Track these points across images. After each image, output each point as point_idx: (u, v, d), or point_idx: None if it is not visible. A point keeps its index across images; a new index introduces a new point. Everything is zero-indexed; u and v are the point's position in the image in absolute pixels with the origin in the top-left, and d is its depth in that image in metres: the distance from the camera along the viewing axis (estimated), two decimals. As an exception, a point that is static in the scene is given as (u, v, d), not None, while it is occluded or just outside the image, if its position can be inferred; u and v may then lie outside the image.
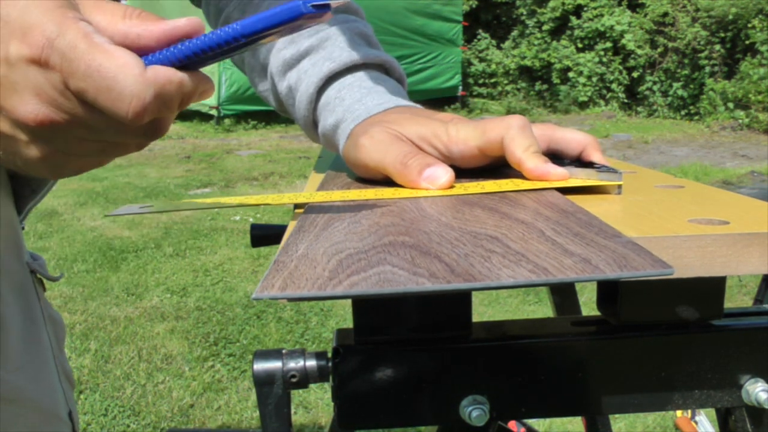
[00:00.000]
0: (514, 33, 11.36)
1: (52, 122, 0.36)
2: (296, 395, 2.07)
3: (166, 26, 0.38)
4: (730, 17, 8.88)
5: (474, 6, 11.25)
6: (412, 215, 0.41)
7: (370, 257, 0.32)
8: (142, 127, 0.38)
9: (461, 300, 0.41)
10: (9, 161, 0.39)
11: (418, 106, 0.60)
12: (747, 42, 8.79)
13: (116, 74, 0.35)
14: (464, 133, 0.51)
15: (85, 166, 0.41)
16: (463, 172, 0.54)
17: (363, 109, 0.58)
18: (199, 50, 0.38)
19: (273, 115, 7.95)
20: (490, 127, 0.50)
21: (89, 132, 0.38)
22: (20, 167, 0.39)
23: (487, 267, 0.30)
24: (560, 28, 10.55)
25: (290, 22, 0.37)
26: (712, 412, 1.70)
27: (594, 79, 10.05)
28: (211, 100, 7.98)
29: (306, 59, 0.62)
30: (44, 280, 0.68)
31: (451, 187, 0.49)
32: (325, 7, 0.37)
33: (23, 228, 0.66)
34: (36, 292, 0.65)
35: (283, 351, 0.41)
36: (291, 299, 0.28)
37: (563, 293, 0.94)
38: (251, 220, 4.03)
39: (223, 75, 7.52)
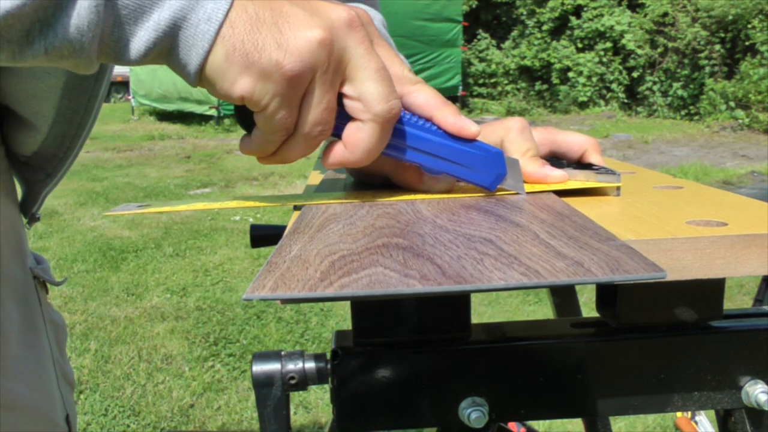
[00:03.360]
0: (514, 33, 11.36)
1: (299, 77, 0.39)
2: (296, 395, 2.07)
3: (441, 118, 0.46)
4: (730, 17, 8.89)
5: (474, 6, 11.25)
6: (408, 217, 0.41)
7: (362, 259, 0.32)
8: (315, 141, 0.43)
9: (460, 302, 0.41)
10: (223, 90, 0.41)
11: None
12: (747, 42, 8.79)
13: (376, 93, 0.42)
14: None
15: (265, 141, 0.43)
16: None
17: None
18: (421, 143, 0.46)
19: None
20: (489, 131, 0.50)
21: (292, 113, 0.41)
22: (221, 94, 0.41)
23: (479, 269, 0.30)
24: (560, 28, 10.55)
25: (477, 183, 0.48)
26: (712, 412, 1.69)
27: (594, 79, 10.05)
28: (212, 100, 7.99)
29: None
30: (47, 284, 0.67)
31: (452, 189, 0.49)
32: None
33: (38, 218, 0.66)
34: (38, 297, 0.65)
35: (282, 353, 0.41)
36: (282, 300, 0.28)
37: (563, 294, 0.94)
38: (251, 220, 4.03)
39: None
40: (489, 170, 0.47)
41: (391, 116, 0.42)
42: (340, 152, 0.44)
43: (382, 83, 0.42)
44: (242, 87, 0.39)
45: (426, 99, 0.46)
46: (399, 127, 0.45)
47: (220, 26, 0.38)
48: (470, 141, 0.46)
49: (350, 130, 0.43)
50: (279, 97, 0.40)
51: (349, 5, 0.42)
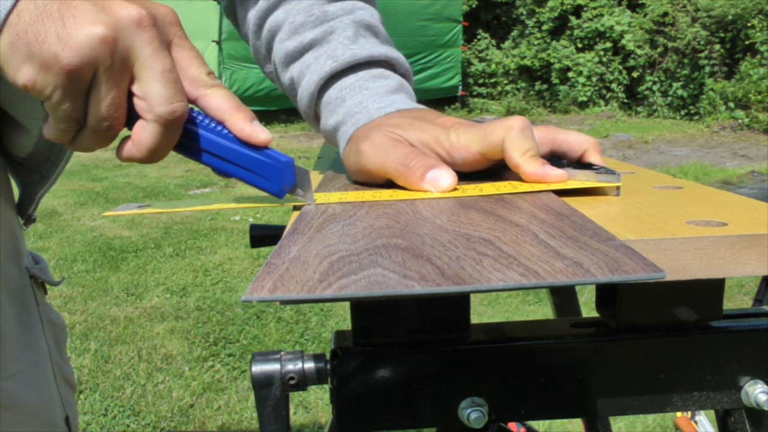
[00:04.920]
0: (514, 33, 11.35)
1: (78, 72, 0.40)
2: (296, 395, 2.07)
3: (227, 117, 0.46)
4: (730, 17, 8.88)
5: (474, 6, 11.25)
6: (407, 218, 0.41)
7: (361, 260, 0.32)
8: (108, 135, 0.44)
9: (460, 302, 0.41)
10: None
11: (421, 106, 0.59)
12: (747, 42, 8.79)
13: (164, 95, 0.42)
14: (465, 139, 0.51)
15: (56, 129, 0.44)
16: (463, 174, 0.53)
17: (364, 113, 0.57)
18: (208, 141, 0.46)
19: (272, 115, 7.95)
20: (490, 131, 0.50)
21: (78, 106, 0.42)
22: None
23: (477, 270, 0.30)
24: (560, 28, 10.54)
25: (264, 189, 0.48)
26: (712, 412, 1.69)
27: (594, 79, 10.04)
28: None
29: (309, 53, 0.61)
30: (45, 284, 0.67)
31: (454, 189, 0.49)
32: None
33: (34, 219, 0.66)
34: (35, 297, 0.65)
35: (282, 353, 0.41)
36: (281, 301, 0.28)
37: (563, 294, 0.94)
38: (251, 220, 4.02)
39: (223, 75, 7.52)
40: (277, 178, 0.48)
41: (173, 118, 0.43)
42: (128, 148, 0.45)
43: (166, 85, 0.42)
44: (25, 76, 0.40)
45: (219, 103, 0.46)
46: (191, 129, 0.46)
47: (8, 14, 0.39)
48: (261, 148, 0.47)
49: (137, 128, 0.44)
50: (60, 89, 0.40)
51: (150, 3, 0.43)
